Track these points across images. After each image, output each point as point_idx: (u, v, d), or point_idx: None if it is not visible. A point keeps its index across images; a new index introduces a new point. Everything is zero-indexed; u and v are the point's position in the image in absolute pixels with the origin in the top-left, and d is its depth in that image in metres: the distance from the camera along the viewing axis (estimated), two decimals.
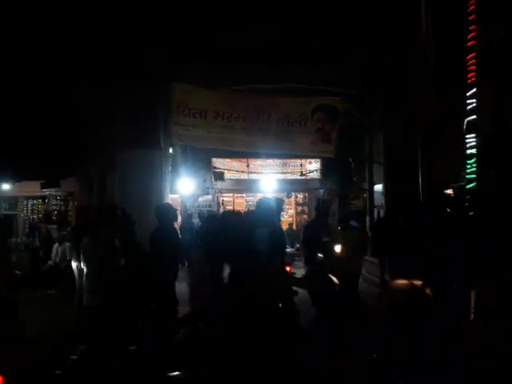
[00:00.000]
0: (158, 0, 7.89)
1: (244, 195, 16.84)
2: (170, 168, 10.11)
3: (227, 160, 15.23)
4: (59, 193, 13.57)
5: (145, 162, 8.50)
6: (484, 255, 3.77)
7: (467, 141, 5.78)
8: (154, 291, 4.12)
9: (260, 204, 3.96)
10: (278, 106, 8.67)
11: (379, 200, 10.19)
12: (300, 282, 5.09)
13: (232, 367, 2.42)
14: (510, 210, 4.20)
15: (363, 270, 6.83)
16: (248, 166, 15.34)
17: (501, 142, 5.33)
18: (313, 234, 5.75)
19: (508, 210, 4.23)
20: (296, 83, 8.83)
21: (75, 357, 3.69)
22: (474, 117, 5.64)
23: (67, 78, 9.26)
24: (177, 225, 6.51)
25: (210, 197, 14.64)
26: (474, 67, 5.56)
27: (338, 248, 5.54)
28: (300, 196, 17.02)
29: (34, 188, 12.58)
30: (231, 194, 16.61)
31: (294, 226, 15.83)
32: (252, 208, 16.31)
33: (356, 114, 9.91)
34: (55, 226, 10.49)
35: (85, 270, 4.27)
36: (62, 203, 13.77)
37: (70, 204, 13.49)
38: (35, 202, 14.02)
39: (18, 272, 7.77)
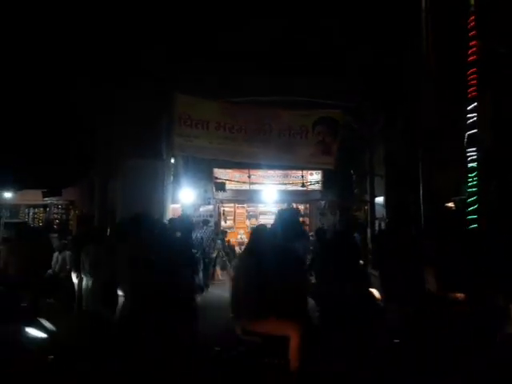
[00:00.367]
0: (161, 8, 7.98)
1: (245, 205, 16.85)
2: (171, 178, 10.15)
3: (229, 170, 15.28)
4: (60, 201, 13.61)
5: (147, 171, 8.54)
6: (486, 269, 3.78)
7: (468, 154, 5.80)
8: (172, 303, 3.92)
9: (283, 215, 4.03)
10: (279, 119, 8.73)
11: (380, 212, 10.19)
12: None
13: None
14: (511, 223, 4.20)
15: None
16: (249, 176, 15.38)
17: (501, 156, 5.35)
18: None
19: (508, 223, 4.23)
20: (296, 96, 8.91)
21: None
22: (475, 131, 5.67)
23: (70, 87, 9.34)
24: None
25: (211, 207, 14.64)
26: (474, 82, 5.61)
27: None
28: (301, 207, 17.01)
29: (35, 196, 12.63)
30: (232, 205, 16.62)
31: None
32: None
33: (356, 126, 9.96)
34: (56, 235, 10.49)
35: (89, 280, 4.29)
36: (63, 212, 13.80)
37: (71, 213, 13.52)
38: (37, 210, 14.06)
39: None
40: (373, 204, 10.35)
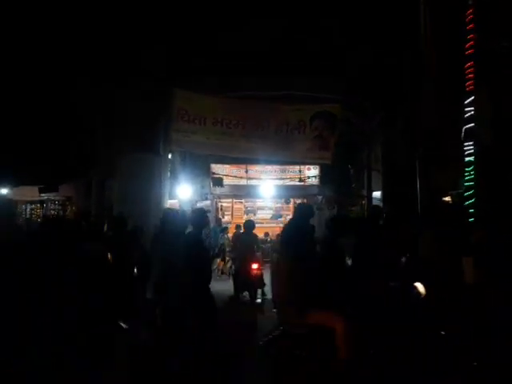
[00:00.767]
0: (161, 7, 7.93)
1: (243, 201, 16.83)
2: (168, 174, 10.13)
3: (226, 166, 15.26)
4: (57, 197, 13.58)
5: (144, 167, 8.51)
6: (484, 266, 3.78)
7: (465, 148, 5.81)
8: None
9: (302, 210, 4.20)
10: (277, 113, 8.70)
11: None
12: None
13: None
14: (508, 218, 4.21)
15: None
16: (247, 171, 15.36)
17: (499, 150, 5.35)
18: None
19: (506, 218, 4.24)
20: (295, 91, 8.88)
21: None
22: (472, 125, 5.67)
23: (70, 85, 9.29)
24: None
25: (208, 202, 14.62)
26: (472, 75, 5.60)
27: None
28: (298, 202, 17.02)
29: (32, 192, 12.59)
30: (230, 200, 16.60)
31: None
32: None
33: (355, 121, 9.95)
34: None
35: None
36: (60, 208, 13.76)
37: (68, 209, 13.48)
38: (34, 206, 14.02)
39: None
40: (370, 199, 10.37)
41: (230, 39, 8.12)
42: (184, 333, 3.54)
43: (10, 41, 8.29)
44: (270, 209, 16.90)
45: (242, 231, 8.23)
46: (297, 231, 3.60)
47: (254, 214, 16.49)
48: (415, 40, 7.07)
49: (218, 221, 13.17)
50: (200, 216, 4.16)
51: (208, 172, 14.85)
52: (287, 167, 15.55)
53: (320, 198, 15.66)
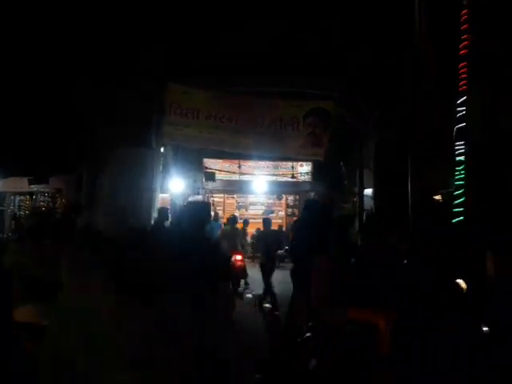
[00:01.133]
0: (161, 5, 7.85)
1: (235, 196, 16.84)
2: (161, 167, 10.06)
3: (219, 161, 15.23)
4: (47, 189, 13.42)
5: (136, 160, 8.44)
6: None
7: (456, 148, 5.86)
8: None
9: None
10: (271, 109, 8.68)
11: (369, 204, 10.27)
12: None
13: None
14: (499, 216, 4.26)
15: None
16: (239, 167, 15.35)
17: (490, 150, 5.41)
18: None
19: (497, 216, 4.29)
20: (289, 87, 8.86)
21: None
22: (464, 124, 5.72)
23: (59, 74, 9.16)
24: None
25: (200, 197, 14.59)
26: (465, 75, 5.64)
27: None
28: (290, 198, 17.07)
29: (21, 184, 12.43)
30: (222, 195, 16.59)
31: (284, 228, 15.85)
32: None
33: (348, 118, 9.97)
34: None
35: None
36: (49, 200, 13.62)
37: (58, 201, 13.35)
38: (22, 198, 13.85)
39: None
40: (362, 196, 10.43)
41: (229, 39, 8.07)
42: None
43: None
44: (262, 204, 16.94)
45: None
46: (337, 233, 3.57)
47: (246, 210, 16.52)
48: (408, 35, 7.09)
49: (215, 215, 13.17)
50: (205, 210, 3.57)
51: (200, 166, 14.80)
52: (280, 163, 15.57)
53: (312, 194, 15.72)
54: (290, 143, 8.84)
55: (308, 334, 3.25)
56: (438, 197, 8.13)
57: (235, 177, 15.64)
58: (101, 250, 1.31)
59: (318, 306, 3.39)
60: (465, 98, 5.69)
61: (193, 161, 13.93)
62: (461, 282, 3.71)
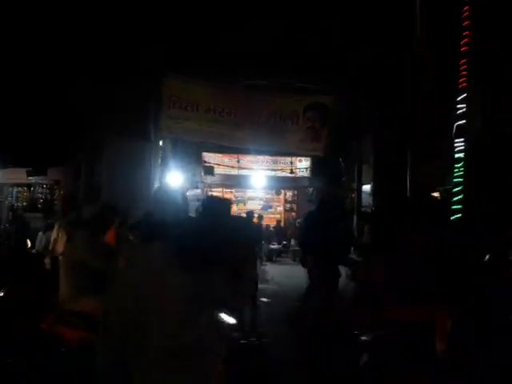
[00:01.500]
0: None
1: (233, 190, 16.83)
2: (159, 160, 10.03)
3: (218, 155, 15.19)
4: (45, 181, 13.38)
5: (134, 153, 8.42)
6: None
7: (456, 145, 5.86)
8: None
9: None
10: (271, 103, 8.65)
11: (367, 200, 10.29)
12: None
13: None
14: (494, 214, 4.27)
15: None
16: (238, 161, 15.32)
17: (489, 147, 5.41)
18: None
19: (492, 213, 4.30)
20: (289, 81, 8.83)
21: None
22: (464, 121, 5.72)
23: (57, 66, 9.10)
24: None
25: (198, 191, 14.57)
26: (465, 73, 5.63)
27: None
28: (289, 193, 17.08)
29: (19, 175, 12.39)
30: (220, 189, 16.57)
31: (282, 223, 15.87)
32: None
33: (347, 114, 9.96)
34: (40, 215, 10.35)
35: None
36: (48, 191, 13.58)
37: (57, 193, 13.31)
38: (20, 189, 13.81)
39: None
40: (360, 192, 10.44)
41: (229, 39, 8.04)
42: None
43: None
44: (261, 199, 16.93)
45: None
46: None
47: (245, 204, 16.52)
48: (408, 33, 7.07)
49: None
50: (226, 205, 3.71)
51: (199, 160, 14.78)
52: (279, 158, 15.55)
53: (311, 190, 15.73)
54: (289, 137, 8.82)
55: (355, 332, 3.21)
56: (436, 194, 8.15)
57: (234, 171, 15.62)
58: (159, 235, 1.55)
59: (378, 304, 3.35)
60: (465, 95, 5.69)
61: (192, 154, 13.91)
62: None
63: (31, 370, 3.06)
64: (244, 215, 9.21)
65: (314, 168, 15.09)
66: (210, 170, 14.42)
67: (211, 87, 8.66)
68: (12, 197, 13.79)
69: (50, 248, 6.80)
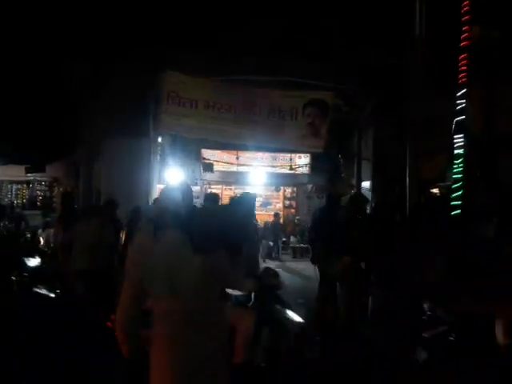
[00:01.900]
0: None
1: (233, 187, 16.79)
2: (158, 157, 10.01)
3: (217, 151, 15.14)
4: (44, 178, 13.37)
5: (133, 149, 8.38)
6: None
7: (455, 141, 5.84)
8: None
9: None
10: (270, 99, 8.62)
11: (367, 197, 10.25)
12: None
13: None
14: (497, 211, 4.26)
15: None
16: (237, 158, 15.27)
17: (488, 143, 5.39)
18: None
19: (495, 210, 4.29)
20: (288, 77, 8.79)
21: None
22: (463, 117, 5.69)
23: (56, 63, 9.07)
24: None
25: (198, 188, 14.55)
26: (465, 68, 5.60)
27: None
28: (288, 190, 17.05)
29: (18, 172, 12.38)
30: (220, 186, 16.53)
31: (282, 220, 15.84)
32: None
33: (346, 109, 9.92)
34: (39, 212, 10.34)
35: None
36: (46, 189, 13.57)
37: (55, 190, 13.31)
38: (19, 186, 13.80)
39: None
40: (359, 188, 10.42)
41: (226, 32, 8.00)
42: None
43: None
44: (260, 196, 16.90)
45: None
46: None
47: None
48: (408, 28, 7.03)
49: None
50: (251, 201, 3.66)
51: (198, 157, 14.73)
52: (278, 155, 15.51)
53: (310, 186, 15.70)
54: (289, 133, 8.78)
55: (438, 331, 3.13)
56: (435, 190, 8.13)
57: (233, 168, 15.57)
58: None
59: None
60: (464, 90, 5.66)
61: (191, 151, 13.87)
62: None
63: (97, 369, 3.11)
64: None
65: (314, 164, 15.06)
66: (209, 167, 14.38)
67: (210, 83, 8.62)
68: (11, 194, 13.78)
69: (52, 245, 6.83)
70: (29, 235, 8.66)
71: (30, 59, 9.19)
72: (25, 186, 13.74)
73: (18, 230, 10.12)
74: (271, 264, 11.45)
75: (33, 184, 13.54)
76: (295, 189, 16.82)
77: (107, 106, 8.29)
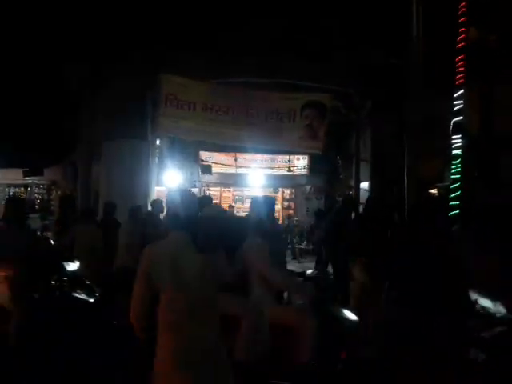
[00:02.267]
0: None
1: (231, 189, 16.80)
2: (156, 160, 10.00)
3: (215, 153, 15.16)
4: (42, 181, 13.35)
5: (131, 152, 8.37)
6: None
7: (453, 141, 5.86)
8: None
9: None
10: (268, 101, 8.63)
11: (365, 197, 10.25)
12: None
13: None
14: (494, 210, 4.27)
15: None
16: (236, 160, 15.29)
17: (486, 143, 5.41)
18: None
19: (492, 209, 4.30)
20: (286, 79, 8.81)
21: None
22: (461, 118, 5.72)
23: (54, 66, 9.06)
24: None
25: (196, 190, 14.55)
26: (462, 69, 5.63)
27: None
28: (287, 192, 17.07)
29: (16, 175, 12.34)
30: (218, 188, 16.55)
31: (280, 221, 15.84)
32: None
33: (343, 111, 9.94)
34: (37, 215, 10.31)
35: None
36: (44, 192, 13.54)
37: (53, 193, 13.28)
38: (17, 190, 13.76)
39: None
40: (358, 189, 10.43)
41: (228, 38, 8.01)
42: None
43: None
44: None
45: None
46: None
47: (243, 203, 16.49)
48: (405, 27, 7.05)
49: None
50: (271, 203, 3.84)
51: (197, 159, 14.74)
52: (276, 156, 15.53)
53: (308, 187, 15.73)
54: (287, 135, 8.80)
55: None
56: (434, 190, 8.15)
57: (232, 170, 15.59)
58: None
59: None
60: (462, 91, 5.69)
61: (189, 153, 13.87)
62: None
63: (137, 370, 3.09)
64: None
65: (312, 166, 15.09)
66: (207, 169, 14.38)
67: (208, 86, 8.63)
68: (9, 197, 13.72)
69: None
70: None
71: (29, 60, 9.18)
72: (23, 189, 13.71)
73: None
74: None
75: (31, 187, 13.51)
76: (293, 190, 16.85)
77: (106, 107, 8.29)
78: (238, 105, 8.51)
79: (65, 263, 4.29)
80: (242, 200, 16.80)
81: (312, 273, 3.91)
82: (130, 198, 7.91)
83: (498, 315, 3.07)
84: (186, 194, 2.35)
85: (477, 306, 3.12)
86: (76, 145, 9.82)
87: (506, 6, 5.46)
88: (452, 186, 5.65)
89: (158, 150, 10.14)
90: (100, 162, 8.66)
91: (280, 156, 15.42)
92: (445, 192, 6.38)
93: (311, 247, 12.58)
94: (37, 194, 13.58)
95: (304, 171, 15.68)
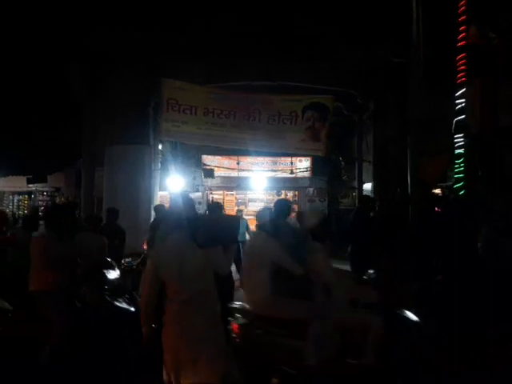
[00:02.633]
0: None
1: (234, 193, 16.78)
2: (159, 164, 10.01)
3: (217, 157, 15.15)
4: (46, 188, 13.40)
5: (134, 157, 8.39)
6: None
7: (455, 141, 5.84)
8: None
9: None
10: (269, 104, 8.63)
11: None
12: None
13: None
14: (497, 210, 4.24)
15: None
16: (238, 163, 15.28)
17: (488, 142, 5.39)
18: None
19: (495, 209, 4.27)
20: (287, 81, 8.80)
21: None
22: (463, 117, 5.70)
23: (56, 72, 9.11)
24: None
25: (199, 194, 14.55)
26: (463, 67, 5.61)
27: None
28: (290, 194, 17.03)
29: (20, 183, 12.40)
30: (221, 192, 16.53)
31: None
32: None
33: (346, 112, 9.93)
34: (41, 222, 10.32)
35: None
36: (48, 199, 13.58)
37: (57, 200, 13.32)
38: (21, 197, 13.82)
39: None
40: (361, 190, 10.40)
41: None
42: None
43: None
44: (262, 201, 16.89)
45: None
46: None
47: (246, 206, 16.47)
48: (406, 26, 7.04)
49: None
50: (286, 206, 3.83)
51: (199, 163, 14.74)
52: (279, 159, 15.50)
53: (311, 190, 15.69)
54: (289, 138, 8.79)
55: None
56: (437, 190, 8.12)
57: (234, 173, 15.57)
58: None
59: None
60: (463, 90, 5.67)
61: (192, 157, 13.88)
62: None
63: None
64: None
65: (315, 168, 15.06)
66: (210, 173, 14.36)
67: (209, 90, 8.65)
68: (13, 205, 13.80)
69: None
70: None
71: (31, 69, 9.23)
72: (26, 196, 13.77)
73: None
74: None
75: (34, 194, 13.57)
76: (296, 192, 16.80)
77: (108, 113, 8.32)
78: (239, 108, 8.51)
79: (106, 271, 4.21)
80: (245, 203, 16.77)
81: (370, 274, 3.87)
82: (132, 203, 7.93)
83: None
84: (185, 198, 2.71)
85: None
86: (79, 151, 9.85)
87: (505, 5, 5.45)
88: (456, 186, 5.63)
89: (160, 155, 10.15)
90: (103, 168, 8.68)
91: (282, 158, 15.38)
92: (448, 192, 6.35)
93: None
94: (41, 201, 13.63)
95: (307, 173, 15.64)
